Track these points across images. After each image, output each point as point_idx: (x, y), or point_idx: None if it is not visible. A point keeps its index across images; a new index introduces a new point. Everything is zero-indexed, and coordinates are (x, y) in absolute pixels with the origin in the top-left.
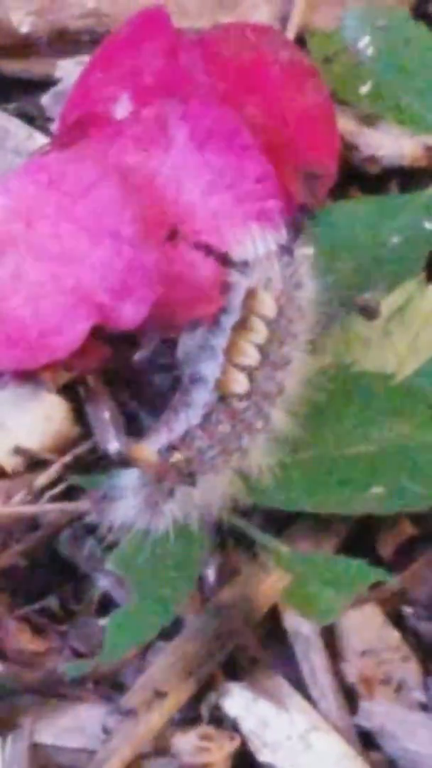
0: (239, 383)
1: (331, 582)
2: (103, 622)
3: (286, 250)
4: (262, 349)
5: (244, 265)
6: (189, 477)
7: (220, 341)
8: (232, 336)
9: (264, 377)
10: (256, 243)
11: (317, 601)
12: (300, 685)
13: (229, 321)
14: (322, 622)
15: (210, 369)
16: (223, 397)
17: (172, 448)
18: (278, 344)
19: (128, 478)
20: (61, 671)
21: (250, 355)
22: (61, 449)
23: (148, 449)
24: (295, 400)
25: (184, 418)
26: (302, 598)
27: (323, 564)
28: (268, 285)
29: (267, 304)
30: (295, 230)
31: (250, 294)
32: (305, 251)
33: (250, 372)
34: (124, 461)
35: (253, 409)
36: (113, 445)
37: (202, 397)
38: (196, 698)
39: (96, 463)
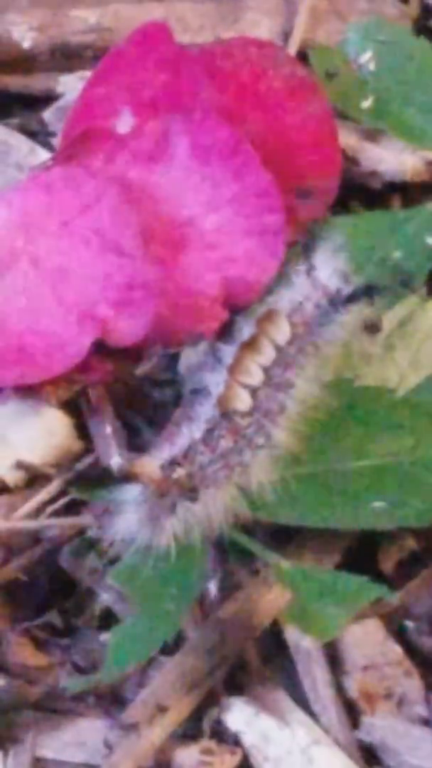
0: (241, 400)
1: (333, 598)
2: (104, 636)
3: (340, 296)
4: (266, 371)
5: (310, 268)
6: (191, 492)
7: (227, 355)
8: (239, 353)
9: (266, 397)
10: (327, 263)
11: (318, 617)
12: (301, 700)
13: (241, 335)
14: (323, 639)
15: (214, 382)
16: (226, 413)
17: (174, 462)
18: (283, 369)
19: (130, 492)
20: (62, 686)
21: (254, 375)
22: (63, 464)
23: (151, 464)
24: (297, 418)
25: (187, 433)
26: (303, 614)
27: (325, 580)
28: (295, 309)
29: (281, 330)
30: (364, 293)
31: (268, 316)
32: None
33: (252, 390)
34: (126, 476)
35: (255, 426)
36: (115, 459)
37: (204, 411)
38: (198, 713)
39: (98, 477)
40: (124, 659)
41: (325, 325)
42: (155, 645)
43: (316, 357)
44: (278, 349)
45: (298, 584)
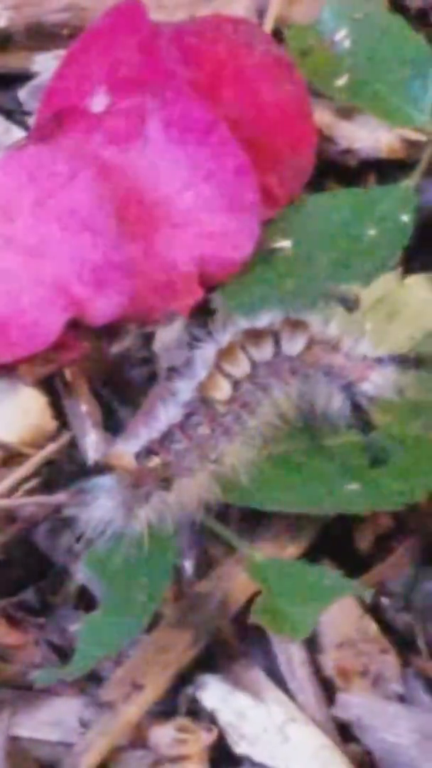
0: (221, 390)
1: (305, 595)
2: (77, 624)
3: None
4: (254, 365)
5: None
6: (165, 482)
7: (220, 340)
8: (230, 343)
9: (246, 391)
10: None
11: (290, 617)
12: (277, 677)
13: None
14: (294, 638)
15: (197, 365)
16: (205, 399)
17: (150, 451)
18: (266, 370)
19: (104, 480)
20: (38, 665)
21: (241, 367)
22: (38, 443)
23: (126, 455)
24: (274, 412)
25: (163, 416)
26: (274, 614)
27: (297, 574)
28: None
29: (263, 350)
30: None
31: (252, 333)
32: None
33: (234, 381)
34: (102, 468)
35: (233, 415)
36: (91, 438)
37: (183, 394)
38: (174, 691)
39: (73, 457)
40: (94, 652)
41: (329, 374)
42: (126, 637)
43: (296, 387)
44: (254, 365)
45: (270, 579)
